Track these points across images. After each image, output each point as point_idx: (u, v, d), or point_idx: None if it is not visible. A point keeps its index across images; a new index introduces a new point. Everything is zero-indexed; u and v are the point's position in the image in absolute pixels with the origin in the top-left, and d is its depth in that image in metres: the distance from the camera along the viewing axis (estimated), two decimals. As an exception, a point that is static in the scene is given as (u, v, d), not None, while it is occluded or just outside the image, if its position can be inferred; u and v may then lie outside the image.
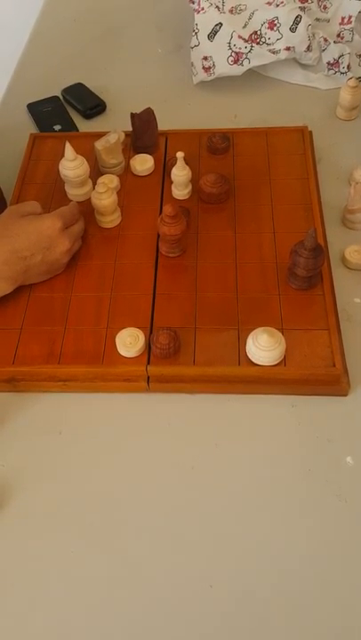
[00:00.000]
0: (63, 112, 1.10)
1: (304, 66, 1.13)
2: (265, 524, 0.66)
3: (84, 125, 1.09)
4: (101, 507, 0.67)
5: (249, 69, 1.09)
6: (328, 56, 1.10)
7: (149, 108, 0.94)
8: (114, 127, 0.96)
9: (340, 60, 1.10)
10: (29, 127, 1.09)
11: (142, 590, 0.62)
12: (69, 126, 1.07)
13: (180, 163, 0.87)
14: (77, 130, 1.07)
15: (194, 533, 0.65)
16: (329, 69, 1.11)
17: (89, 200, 0.88)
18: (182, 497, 0.68)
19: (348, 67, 1.09)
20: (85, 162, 0.88)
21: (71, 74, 1.17)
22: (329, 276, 0.82)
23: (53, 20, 1.34)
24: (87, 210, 0.89)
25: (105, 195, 0.84)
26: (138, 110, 0.94)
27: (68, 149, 0.85)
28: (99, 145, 0.91)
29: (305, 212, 0.88)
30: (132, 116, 0.93)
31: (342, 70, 1.10)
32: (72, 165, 0.87)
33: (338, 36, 1.14)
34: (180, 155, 0.86)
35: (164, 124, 0.98)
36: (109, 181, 0.90)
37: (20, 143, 1.02)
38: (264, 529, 0.65)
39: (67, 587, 0.63)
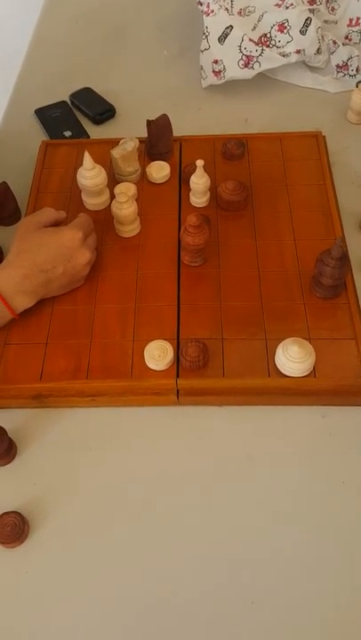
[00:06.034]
0: (72, 117, 1.08)
1: (313, 68, 1.13)
2: (299, 538, 0.65)
3: (94, 131, 1.07)
4: (134, 523, 0.67)
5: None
6: (337, 58, 1.10)
7: (165, 115, 0.93)
8: (124, 133, 0.95)
9: (348, 63, 1.09)
10: (38, 133, 1.07)
11: (182, 608, 0.62)
12: (80, 132, 1.05)
13: (200, 171, 0.86)
14: (88, 136, 1.05)
15: (230, 549, 0.65)
16: (338, 72, 1.11)
17: (106, 209, 0.87)
18: (216, 511, 0.67)
19: (358, 69, 1.09)
20: (103, 171, 0.87)
21: (77, 78, 1.15)
22: (352, 283, 0.81)
23: (54, 21, 1.32)
24: (105, 219, 0.88)
25: (126, 204, 0.83)
26: (148, 115, 0.93)
27: (87, 159, 0.84)
28: (116, 153, 0.89)
29: (324, 218, 0.88)
30: (148, 122, 0.92)
31: (351, 73, 1.10)
32: (90, 175, 0.85)
33: (346, 37, 1.14)
34: (199, 163, 0.85)
35: (174, 129, 0.96)
36: (127, 189, 0.88)
37: (29, 149, 1.00)
38: (299, 543, 0.65)
39: (102, 604, 0.62)
